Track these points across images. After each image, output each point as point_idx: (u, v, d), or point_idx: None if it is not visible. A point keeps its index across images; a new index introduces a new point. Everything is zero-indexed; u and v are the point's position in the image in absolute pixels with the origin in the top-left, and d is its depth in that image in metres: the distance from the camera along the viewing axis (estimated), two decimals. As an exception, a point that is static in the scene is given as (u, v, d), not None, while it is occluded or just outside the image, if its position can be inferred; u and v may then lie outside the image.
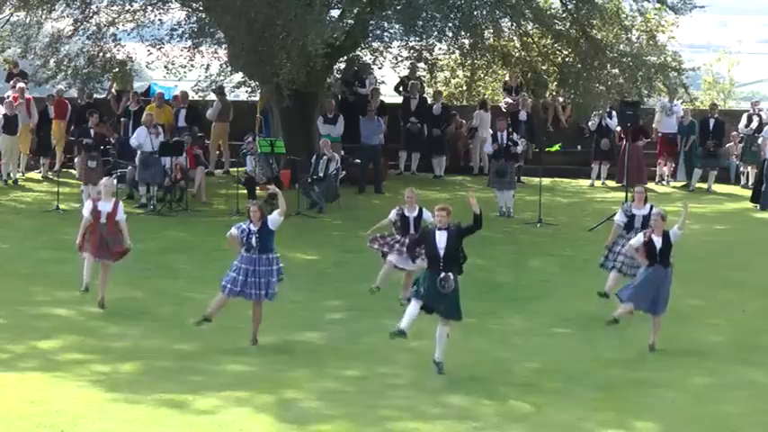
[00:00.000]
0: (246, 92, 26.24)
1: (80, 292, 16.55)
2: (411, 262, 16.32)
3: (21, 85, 26.25)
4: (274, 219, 15.13)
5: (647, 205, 17.03)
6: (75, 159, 25.83)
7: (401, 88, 28.12)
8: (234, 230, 15.16)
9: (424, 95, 28.15)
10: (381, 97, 27.92)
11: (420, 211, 16.98)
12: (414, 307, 13.96)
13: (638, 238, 15.46)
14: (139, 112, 25.79)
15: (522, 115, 26.89)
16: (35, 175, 26.63)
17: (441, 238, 13.96)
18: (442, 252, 13.92)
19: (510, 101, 27.95)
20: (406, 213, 17.00)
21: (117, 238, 16.80)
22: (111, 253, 16.70)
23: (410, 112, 27.43)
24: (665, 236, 15.14)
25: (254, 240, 14.96)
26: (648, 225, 15.87)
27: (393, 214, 17.14)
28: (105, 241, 16.64)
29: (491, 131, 25.81)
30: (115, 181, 17.44)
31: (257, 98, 26.75)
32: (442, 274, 13.81)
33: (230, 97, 27.69)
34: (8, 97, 25.98)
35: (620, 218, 17.21)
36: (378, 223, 17.32)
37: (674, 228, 15.36)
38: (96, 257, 16.63)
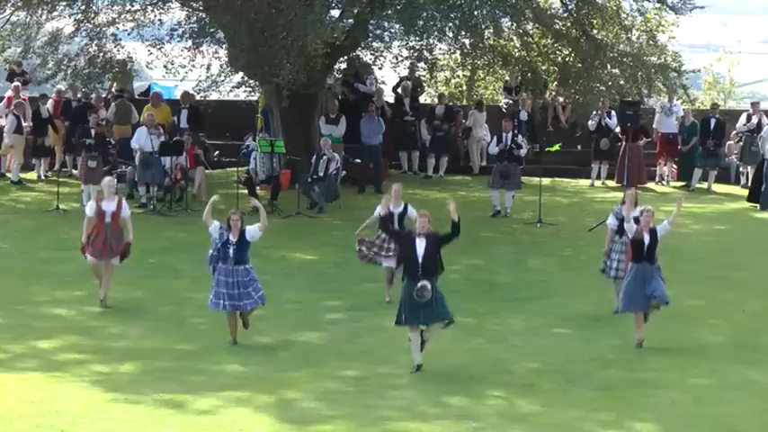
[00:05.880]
0: (246, 92, 26.20)
1: (100, 307, 16.59)
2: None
3: (16, 83, 26.21)
4: (253, 232, 14.86)
5: (638, 208, 16.84)
6: (66, 158, 25.95)
7: (399, 89, 28.08)
8: (213, 230, 14.87)
9: (424, 95, 28.09)
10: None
11: (405, 207, 17.02)
12: (411, 335, 14.02)
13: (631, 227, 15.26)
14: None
15: (523, 115, 26.86)
16: (32, 175, 26.56)
17: (420, 245, 13.86)
18: (420, 259, 13.82)
19: (510, 101, 27.91)
20: (392, 209, 16.95)
21: (120, 238, 16.80)
22: (114, 253, 16.69)
23: (408, 111, 27.40)
24: (653, 233, 15.12)
25: (230, 251, 14.76)
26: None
27: (378, 210, 17.13)
28: (109, 243, 16.63)
29: (487, 131, 25.82)
30: (115, 181, 17.40)
31: (256, 98, 26.70)
32: (418, 285, 13.71)
33: (230, 97, 27.58)
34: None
35: (612, 221, 17.00)
36: (366, 221, 17.32)
37: (664, 222, 15.33)
38: (100, 258, 16.62)
